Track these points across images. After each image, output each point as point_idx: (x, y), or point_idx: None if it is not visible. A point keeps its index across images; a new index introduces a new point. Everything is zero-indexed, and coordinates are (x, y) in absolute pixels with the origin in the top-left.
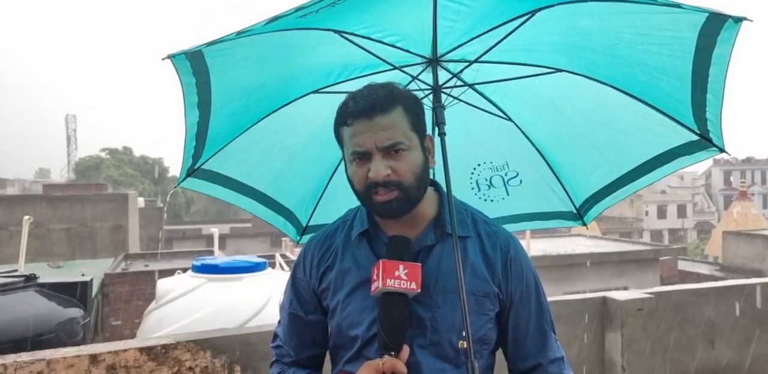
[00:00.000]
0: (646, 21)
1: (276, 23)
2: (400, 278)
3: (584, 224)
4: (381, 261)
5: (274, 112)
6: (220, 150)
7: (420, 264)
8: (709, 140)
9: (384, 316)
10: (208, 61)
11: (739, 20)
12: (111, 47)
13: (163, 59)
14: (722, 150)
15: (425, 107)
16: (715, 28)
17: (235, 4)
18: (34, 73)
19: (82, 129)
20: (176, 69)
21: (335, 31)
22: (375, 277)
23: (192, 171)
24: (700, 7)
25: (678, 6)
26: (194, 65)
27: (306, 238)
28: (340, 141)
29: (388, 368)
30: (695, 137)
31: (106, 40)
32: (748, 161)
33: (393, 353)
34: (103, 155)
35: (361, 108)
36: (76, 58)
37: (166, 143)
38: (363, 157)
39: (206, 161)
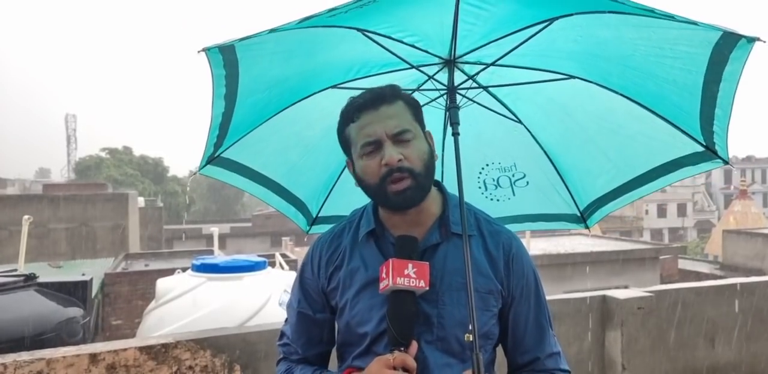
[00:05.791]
0: (661, 35)
1: (307, 23)
2: (409, 276)
3: (587, 227)
4: (390, 260)
5: (293, 105)
6: (239, 139)
7: (428, 263)
8: (714, 152)
9: (393, 313)
10: (239, 55)
11: (752, 40)
12: (111, 47)
13: (198, 52)
14: (726, 162)
15: (439, 106)
16: (729, 46)
17: (235, 4)
18: (34, 73)
19: (82, 129)
20: (209, 61)
21: (358, 30)
22: (384, 275)
23: (212, 159)
24: (715, 26)
25: (695, 23)
26: (225, 58)
27: (315, 228)
28: (346, 143)
29: (398, 363)
30: (701, 148)
31: (106, 39)
32: (748, 159)
33: (402, 348)
34: (103, 154)
35: (367, 100)
36: (75, 58)
37: (166, 142)
38: (374, 148)
39: (226, 149)
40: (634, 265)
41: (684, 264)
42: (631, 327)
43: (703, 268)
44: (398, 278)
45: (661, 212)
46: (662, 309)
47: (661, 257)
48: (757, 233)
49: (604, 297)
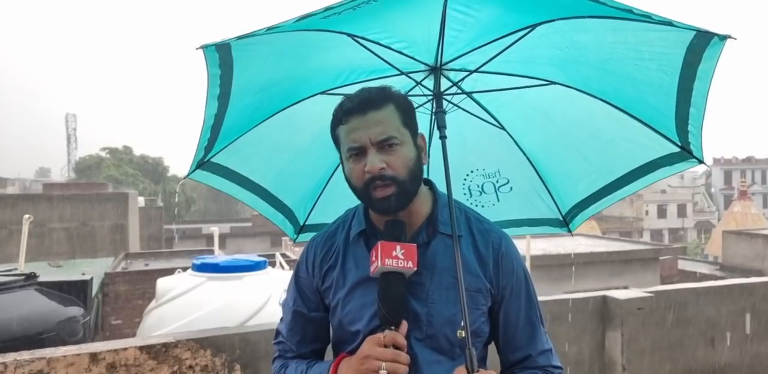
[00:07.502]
0: (638, 37)
1: (304, 22)
2: (397, 257)
3: (569, 231)
4: (379, 243)
5: (282, 110)
6: (229, 144)
7: (415, 245)
8: (689, 152)
9: (383, 293)
10: (234, 55)
11: (724, 38)
12: (111, 46)
13: (196, 49)
14: (701, 162)
15: (426, 111)
16: (702, 44)
17: (235, 5)
18: (34, 73)
19: (82, 128)
20: (206, 59)
21: (348, 35)
22: (374, 258)
23: (201, 163)
24: (689, 25)
25: (670, 24)
26: (221, 58)
27: (303, 236)
28: (337, 142)
29: (389, 340)
30: (677, 149)
31: (106, 39)
32: (748, 160)
33: (393, 327)
34: (103, 154)
35: (355, 105)
36: (75, 58)
37: (166, 142)
38: (359, 153)
39: (215, 154)
40: (634, 265)
41: (684, 265)
42: (631, 328)
43: (703, 269)
44: (387, 260)
45: (661, 212)
46: (662, 310)
47: (661, 258)
48: (757, 234)
49: (604, 297)
